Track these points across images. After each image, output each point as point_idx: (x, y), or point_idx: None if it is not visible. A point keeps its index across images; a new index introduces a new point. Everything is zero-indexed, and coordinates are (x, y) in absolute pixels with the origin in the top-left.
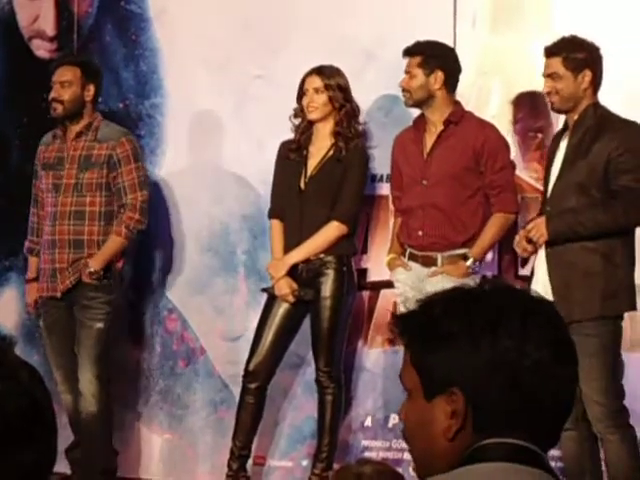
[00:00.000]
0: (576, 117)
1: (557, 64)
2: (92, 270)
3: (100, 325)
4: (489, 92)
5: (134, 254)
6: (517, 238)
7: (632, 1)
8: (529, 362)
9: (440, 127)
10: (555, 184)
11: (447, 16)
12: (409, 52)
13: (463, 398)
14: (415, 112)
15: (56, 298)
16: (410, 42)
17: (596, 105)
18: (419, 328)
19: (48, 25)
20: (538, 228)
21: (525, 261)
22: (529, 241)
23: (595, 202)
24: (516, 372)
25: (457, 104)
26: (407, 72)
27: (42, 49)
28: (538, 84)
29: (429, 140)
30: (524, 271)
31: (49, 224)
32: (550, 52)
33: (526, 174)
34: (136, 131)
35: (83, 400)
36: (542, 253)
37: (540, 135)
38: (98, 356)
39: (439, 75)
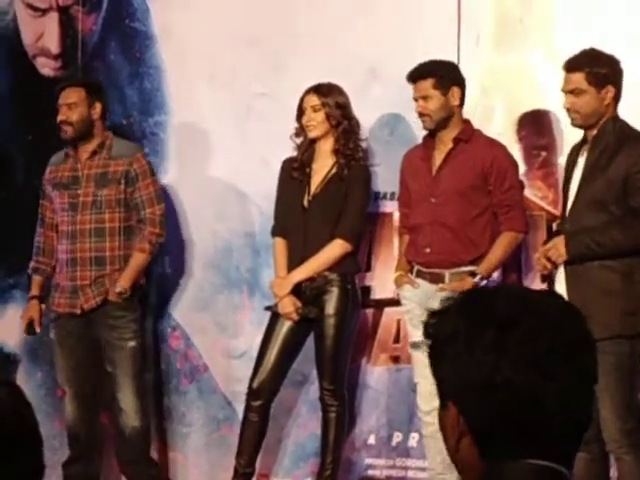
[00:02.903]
0: (595, 132)
1: (580, 79)
2: (122, 290)
3: (132, 344)
4: (493, 110)
5: None
6: (537, 255)
7: (633, 19)
8: (501, 379)
9: (450, 145)
10: (574, 201)
11: (451, 34)
12: (419, 76)
13: (456, 411)
14: (421, 129)
15: (74, 314)
16: (414, 60)
17: (615, 119)
18: (427, 337)
19: (52, 43)
20: (557, 248)
21: (545, 277)
22: (548, 259)
23: (614, 219)
24: (490, 389)
25: (467, 122)
26: (421, 97)
27: (47, 67)
28: (542, 102)
29: (438, 157)
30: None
31: (66, 242)
32: (572, 67)
33: (530, 192)
34: None
35: (125, 416)
36: (562, 271)
37: (544, 153)
38: (136, 373)
39: (456, 91)
